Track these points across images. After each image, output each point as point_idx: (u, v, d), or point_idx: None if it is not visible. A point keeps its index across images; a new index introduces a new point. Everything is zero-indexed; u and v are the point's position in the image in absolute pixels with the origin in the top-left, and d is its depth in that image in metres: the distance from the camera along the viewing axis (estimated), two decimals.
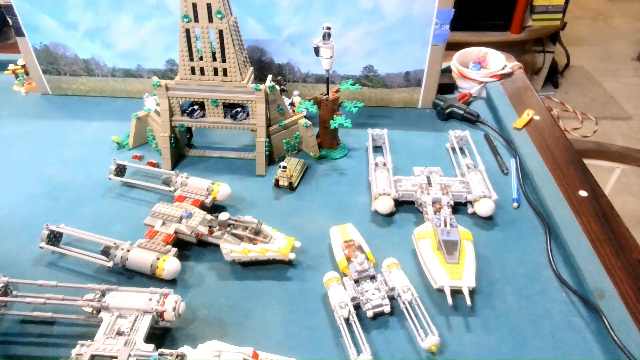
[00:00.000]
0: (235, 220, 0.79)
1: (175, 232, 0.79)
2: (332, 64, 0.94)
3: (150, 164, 0.99)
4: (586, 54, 3.51)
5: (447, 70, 1.28)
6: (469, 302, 0.69)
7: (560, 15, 2.56)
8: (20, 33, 1.15)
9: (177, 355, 0.59)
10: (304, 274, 0.77)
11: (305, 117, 1.02)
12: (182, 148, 1.03)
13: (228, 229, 0.79)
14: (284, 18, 1.07)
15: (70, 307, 0.66)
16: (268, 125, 0.97)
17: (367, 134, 1.02)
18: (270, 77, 1.01)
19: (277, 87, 0.95)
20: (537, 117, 1.11)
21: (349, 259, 0.74)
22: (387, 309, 0.68)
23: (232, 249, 0.76)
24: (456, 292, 0.71)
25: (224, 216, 0.78)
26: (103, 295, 0.67)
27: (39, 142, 1.08)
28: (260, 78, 1.08)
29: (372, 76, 1.14)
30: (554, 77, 3.10)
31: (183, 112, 0.98)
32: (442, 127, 1.12)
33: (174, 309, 0.65)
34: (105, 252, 0.75)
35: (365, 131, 1.03)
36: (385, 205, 0.85)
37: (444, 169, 0.93)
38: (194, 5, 0.85)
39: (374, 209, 0.86)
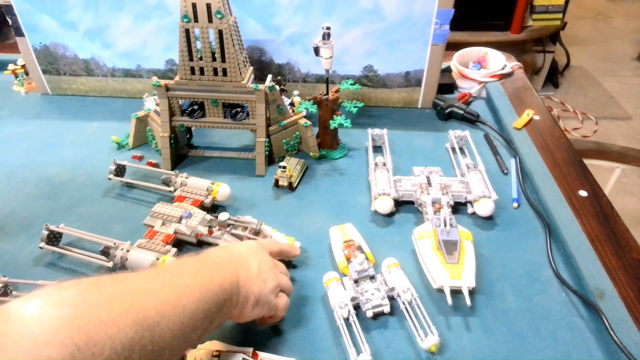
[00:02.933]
0: (235, 221, 0.79)
1: (175, 233, 0.79)
2: (332, 64, 0.94)
3: (150, 164, 0.99)
4: (586, 54, 3.51)
5: (447, 70, 1.28)
6: (468, 302, 0.69)
7: (560, 15, 2.56)
8: (20, 33, 1.15)
9: None
10: (304, 274, 0.77)
11: (305, 117, 1.02)
12: (182, 148, 1.03)
13: (228, 229, 0.79)
14: (284, 18, 1.07)
15: None
16: (268, 125, 0.97)
17: (367, 134, 1.02)
18: (270, 77, 1.01)
19: (277, 87, 0.95)
20: (537, 117, 1.11)
21: (348, 259, 0.74)
22: (386, 309, 0.68)
23: None
24: (456, 292, 0.71)
25: (223, 216, 0.78)
26: None
27: (39, 142, 1.08)
28: (260, 78, 1.08)
29: (372, 76, 1.14)
30: (554, 77, 3.10)
31: (183, 112, 0.98)
32: (442, 127, 1.11)
33: None
34: (105, 252, 0.75)
35: (365, 131, 1.03)
36: (385, 205, 0.85)
37: (444, 169, 0.93)
38: (194, 5, 0.85)
39: (373, 209, 0.86)
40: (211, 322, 0.50)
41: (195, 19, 0.87)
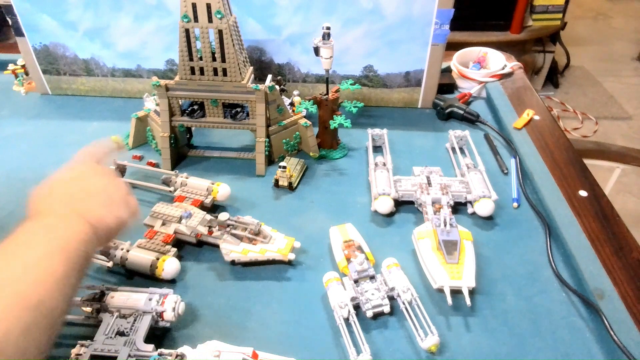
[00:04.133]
0: (235, 221, 0.79)
1: (175, 232, 0.79)
2: (332, 64, 0.94)
3: (150, 164, 0.99)
4: (586, 54, 3.51)
5: (447, 70, 1.28)
6: (468, 302, 0.69)
7: (560, 15, 2.56)
8: (20, 33, 1.15)
9: (177, 355, 0.59)
10: (304, 274, 0.77)
11: (305, 117, 1.02)
12: (182, 148, 1.03)
13: (228, 229, 0.79)
14: (284, 18, 1.07)
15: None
16: (268, 125, 0.97)
17: (367, 134, 1.02)
18: (270, 77, 1.01)
19: (277, 87, 0.95)
20: (537, 117, 1.10)
21: (348, 259, 0.74)
22: (386, 309, 0.68)
23: (232, 249, 0.76)
24: (456, 292, 0.71)
25: (223, 216, 0.78)
26: (103, 295, 0.67)
27: (39, 142, 1.08)
28: (260, 78, 1.08)
29: (372, 76, 1.14)
30: (554, 77, 3.10)
31: (183, 112, 0.98)
32: (442, 127, 1.11)
33: (174, 309, 0.65)
34: (105, 252, 0.75)
35: (365, 131, 1.03)
36: (385, 205, 0.85)
37: (444, 169, 0.93)
38: (194, 5, 0.85)
39: (373, 209, 0.86)
40: (82, 273, 0.52)
41: (195, 19, 0.87)
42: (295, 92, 1.10)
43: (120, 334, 0.63)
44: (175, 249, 0.77)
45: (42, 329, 0.44)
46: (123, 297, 0.66)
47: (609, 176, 1.40)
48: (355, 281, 0.72)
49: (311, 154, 1.02)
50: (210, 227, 0.79)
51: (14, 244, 0.50)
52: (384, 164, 0.93)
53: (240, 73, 0.92)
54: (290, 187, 0.93)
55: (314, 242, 0.81)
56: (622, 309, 0.67)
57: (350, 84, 0.98)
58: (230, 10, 0.92)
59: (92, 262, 0.56)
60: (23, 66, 1.26)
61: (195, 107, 0.98)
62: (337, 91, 0.98)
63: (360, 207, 0.89)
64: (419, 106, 1.18)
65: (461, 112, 1.12)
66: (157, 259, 0.74)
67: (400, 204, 0.89)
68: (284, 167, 0.91)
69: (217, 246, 0.78)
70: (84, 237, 0.53)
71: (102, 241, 0.56)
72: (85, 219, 0.54)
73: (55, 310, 0.46)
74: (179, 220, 0.79)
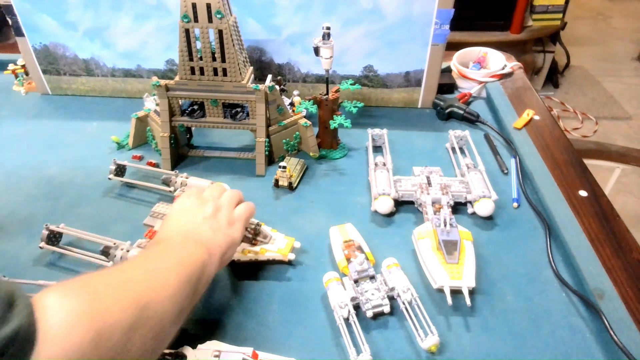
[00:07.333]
0: None
1: None
2: (332, 64, 0.94)
3: (150, 164, 0.99)
4: (586, 54, 3.52)
5: (447, 70, 1.28)
6: (468, 302, 0.69)
7: (560, 15, 2.56)
8: (20, 33, 1.15)
9: (177, 355, 0.59)
10: (304, 274, 0.77)
11: (305, 117, 1.02)
12: (182, 148, 1.03)
13: None
14: (284, 18, 1.07)
15: None
16: (268, 125, 0.97)
17: (367, 134, 1.02)
18: (270, 77, 1.01)
19: (277, 87, 0.95)
20: (537, 117, 1.11)
21: (348, 259, 0.74)
22: (386, 309, 0.68)
23: None
24: (456, 292, 0.71)
25: None
26: None
27: (39, 142, 1.08)
28: (260, 78, 1.08)
29: (372, 76, 1.14)
30: (554, 77, 3.10)
31: (183, 112, 0.98)
32: (442, 127, 1.11)
33: None
34: (105, 252, 0.75)
35: (365, 131, 1.03)
36: (385, 205, 0.85)
37: (443, 169, 0.93)
38: (194, 5, 0.85)
39: (373, 209, 0.86)
40: (196, 288, 0.58)
41: (195, 19, 0.87)
42: (295, 92, 1.10)
43: None
44: None
45: (147, 329, 0.49)
46: None
47: (609, 176, 1.40)
48: (355, 281, 0.72)
49: (311, 154, 1.02)
50: None
51: (140, 258, 0.61)
52: (384, 164, 0.93)
53: (240, 73, 0.92)
54: (290, 187, 0.93)
55: (314, 242, 0.81)
56: (622, 309, 0.67)
57: (350, 84, 0.98)
58: (230, 10, 0.92)
59: (209, 280, 0.62)
60: (23, 66, 1.26)
61: (195, 107, 0.98)
62: (337, 91, 0.98)
63: (360, 207, 0.89)
64: (419, 106, 1.18)
65: (461, 112, 1.12)
66: None
67: (400, 204, 0.89)
68: (284, 167, 0.91)
69: None
70: (197, 258, 0.59)
71: (216, 261, 0.62)
72: (200, 244, 0.61)
73: (164, 315, 0.51)
74: None
